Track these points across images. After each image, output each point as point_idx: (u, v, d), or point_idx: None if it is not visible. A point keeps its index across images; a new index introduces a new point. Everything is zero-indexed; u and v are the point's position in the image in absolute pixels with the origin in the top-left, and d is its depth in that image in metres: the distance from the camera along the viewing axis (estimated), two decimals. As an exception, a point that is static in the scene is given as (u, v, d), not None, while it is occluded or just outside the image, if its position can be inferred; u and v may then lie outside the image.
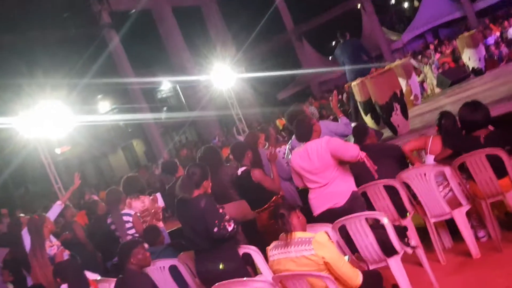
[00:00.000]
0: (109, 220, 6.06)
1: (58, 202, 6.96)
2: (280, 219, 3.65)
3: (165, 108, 29.13)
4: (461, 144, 4.73)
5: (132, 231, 5.84)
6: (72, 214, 8.18)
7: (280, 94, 31.00)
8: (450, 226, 5.15)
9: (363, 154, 4.59)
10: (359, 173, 5.07)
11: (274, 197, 5.13)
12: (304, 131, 4.99)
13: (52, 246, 5.62)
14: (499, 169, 4.52)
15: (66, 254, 5.51)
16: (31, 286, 5.29)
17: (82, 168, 24.67)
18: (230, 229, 4.13)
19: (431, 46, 21.15)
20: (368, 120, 9.43)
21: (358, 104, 9.52)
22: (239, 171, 5.35)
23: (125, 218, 5.88)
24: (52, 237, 6.07)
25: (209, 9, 29.60)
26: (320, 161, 4.73)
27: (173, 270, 5.07)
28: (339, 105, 16.89)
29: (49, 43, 19.76)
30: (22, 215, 7.49)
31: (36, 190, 19.22)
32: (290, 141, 6.25)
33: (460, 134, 4.95)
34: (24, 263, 5.61)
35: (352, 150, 4.64)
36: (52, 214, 6.69)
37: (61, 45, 20.27)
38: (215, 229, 4.07)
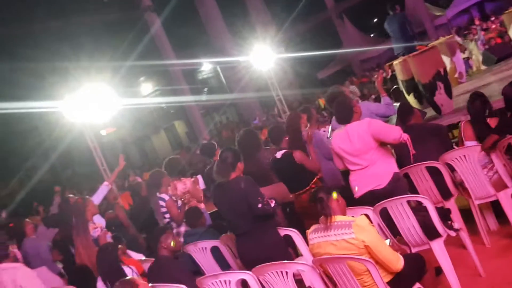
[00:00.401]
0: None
1: (105, 183, 7.11)
2: (319, 203, 3.64)
3: (205, 89, 29.32)
4: (504, 125, 4.60)
5: (168, 215, 5.94)
6: (115, 196, 8.39)
7: (321, 73, 30.71)
8: (496, 208, 5.04)
9: (405, 136, 4.52)
10: (402, 154, 5.00)
11: (314, 179, 5.12)
12: (344, 113, 4.93)
13: (96, 228, 5.76)
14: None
15: (109, 236, 5.64)
16: (77, 266, 5.45)
17: (126, 150, 25.19)
18: (273, 205, 4.21)
19: (477, 21, 20.54)
20: (410, 99, 9.25)
21: (400, 82, 9.36)
22: (278, 154, 5.36)
23: (160, 202, 5.98)
24: (98, 218, 6.24)
25: (248, -12, 29.49)
26: (361, 143, 4.68)
27: (215, 251, 5.16)
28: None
29: (93, 27, 20.11)
30: (71, 195, 7.71)
31: (82, 172, 19.69)
32: (333, 121, 6.19)
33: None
34: (73, 243, 5.77)
35: (394, 132, 4.57)
36: (100, 194, 6.85)
37: (104, 29, 20.61)
38: (259, 205, 4.15)
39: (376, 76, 6.58)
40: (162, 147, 28.68)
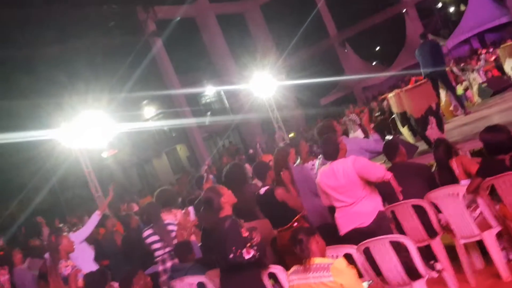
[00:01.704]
0: (146, 233, 6.09)
1: (97, 213, 7.13)
2: (298, 245, 3.68)
3: (209, 113, 29.47)
4: (486, 168, 4.66)
5: (175, 241, 5.89)
6: (113, 223, 8.37)
7: (323, 99, 30.87)
8: (482, 247, 5.06)
9: (389, 175, 4.58)
10: (387, 192, 5.05)
11: (296, 216, 5.12)
12: (330, 150, 4.98)
13: (67, 266, 5.74)
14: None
15: (81, 275, 5.62)
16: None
17: (127, 173, 25.23)
18: (247, 257, 4.03)
19: (483, 51, 20.68)
20: (405, 131, 9.32)
21: (395, 115, 9.45)
22: (262, 190, 5.37)
23: (170, 227, 5.91)
24: (85, 246, 6.22)
25: (252, 16, 29.90)
26: (347, 180, 4.73)
27: (202, 287, 5.15)
28: (378, 113, 16.69)
29: (95, 52, 20.30)
30: (61, 225, 7.75)
31: (82, 195, 19.75)
32: (320, 156, 6.23)
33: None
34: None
35: (378, 171, 4.64)
36: (90, 225, 6.87)
37: (106, 53, 20.80)
38: (231, 255, 4.03)
39: (362, 114, 6.65)
40: (163, 171, 28.71)
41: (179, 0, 22.39)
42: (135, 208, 10.65)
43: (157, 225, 5.96)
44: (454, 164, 5.21)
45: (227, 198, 4.38)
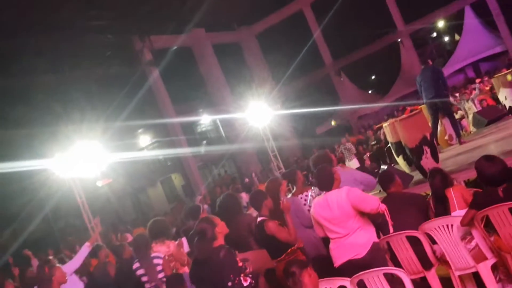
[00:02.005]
0: (135, 265, 6.07)
1: (86, 244, 7.07)
2: (291, 277, 3.64)
3: (204, 142, 29.46)
4: (480, 200, 4.63)
5: (162, 274, 5.85)
6: (106, 254, 8.26)
7: (319, 128, 30.99)
8: (478, 278, 5.00)
9: (383, 207, 4.57)
10: (382, 222, 5.02)
11: (289, 249, 5.07)
12: (325, 181, 4.97)
13: None
14: (524, 224, 4.40)
15: None
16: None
17: (121, 202, 25.07)
18: (246, 284, 4.03)
19: (477, 80, 20.87)
20: (400, 161, 9.33)
21: (390, 145, 9.47)
22: (258, 220, 5.34)
23: (155, 261, 5.89)
24: (74, 279, 6.14)
25: (248, 45, 30.21)
26: (340, 211, 4.72)
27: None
28: (374, 142, 16.69)
29: (90, 81, 20.39)
30: (51, 257, 7.65)
31: (75, 224, 19.60)
32: (313, 187, 6.20)
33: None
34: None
35: (372, 203, 4.63)
36: (80, 257, 6.80)
37: (102, 82, 20.90)
38: (229, 284, 4.00)
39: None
40: (158, 200, 28.55)
41: (175, 30, 22.61)
42: (129, 238, 10.55)
43: (144, 259, 5.93)
44: (451, 193, 5.19)
45: (221, 228, 4.36)
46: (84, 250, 6.92)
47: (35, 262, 9.33)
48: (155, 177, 28.89)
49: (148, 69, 22.08)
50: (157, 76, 22.50)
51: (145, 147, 28.43)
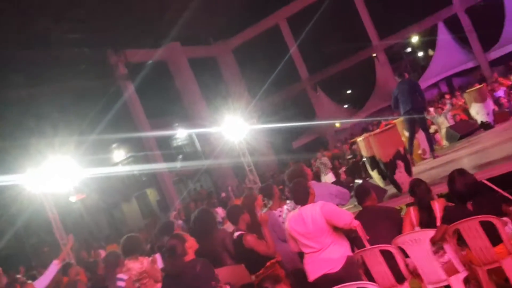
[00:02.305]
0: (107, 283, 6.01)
1: (55, 262, 6.91)
2: (264, 293, 3.62)
3: (180, 156, 29.30)
4: (450, 215, 4.69)
5: None
6: (76, 272, 8.11)
7: (295, 142, 31.07)
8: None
9: (356, 223, 4.60)
10: (356, 236, 5.03)
11: (268, 263, 5.06)
12: (300, 195, 4.99)
13: None
14: (493, 236, 4.45)
15: None
16: None
17: (95, 218, 24.75)
18: None
19: (447, 96, 21.22)
20: (375, 175, 9.39)
21: (365, 159, 9.54)
22: (235, 235, 5.32)
23: (118, 283, 5.82)
24: None
25: (224, 59, 30.27)
26: (315, 226, 4.72)
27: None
28: (350, 156, 16.72)
29: (64, 95, 20.15)
30: (18, 276, 7.48)
31: (48, 240, 19.28)
32: (288, 201, 6.21)
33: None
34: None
35: (345, 218, 4.66)
36: (48, 275, 6.66)
37: (76, 96, 20.69)
38: None
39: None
40: (133, 216, 28.25)
41: (151, 44, 22.56)
42: (102, 254, 10.39)
43: (111, 280, 5.87)
44: (436, 206, 5.20)
45: (191, 244, 4.38)
46: (53, 268, 6.78)
47: (4, 279, 9.12)
48: (129, 192, 28.61)
49: (123, 83, 21.93)
50: (132, 90, 22.35)
51: (120, 162, 28.18)
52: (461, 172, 4.78)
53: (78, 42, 19.17)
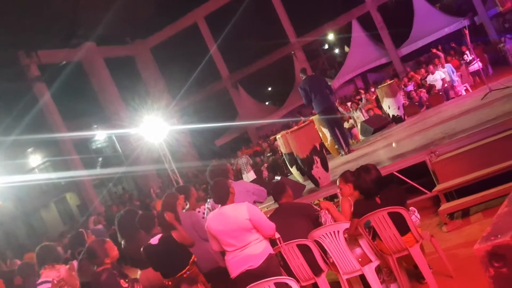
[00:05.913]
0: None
1: None
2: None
3: (100, 159, 28.60)
4: (360, 209, 4.90)
5: None
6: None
7: (219, 140, 31.13)
8: (364, 280, 5.25)
9: (277, 236, 4.73)
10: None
11: (187, 266, 5.07)
12: (220, 194, 4.99)
13: None
14: (402, 226, 4.69)
15: None
16: None
17: (12, 226, 23.73)
18: None
19: (361, 91, 21.97)
20: (294, 171, 9.62)
21: (284, 156, 9.74)
22: (154, 240, 5.27)
23: (43, 286, 5.66)
24: None
25: (142, 59, 29.83)
26: (238, 225, 4.75)
27: None
28: (269, 154, 17.01)
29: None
30: None
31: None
32: (209, 200, 6.24)
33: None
34: None
35: (268, 229, 4.79)
36: None
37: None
38: None
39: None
40: (52, 222, 27.30)
41: (64, 44, 21.87)
42: (19, 263, 9.97)
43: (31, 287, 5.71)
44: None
45: (110, 244, 4.37)
46: None
47: None
48: (48, 198, 27.63)
49: (36, 85, 21.12)
50: (47, 92, 21.59)
51: (36, 167, 27.13)
52: (365, 169, 4.99)
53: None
